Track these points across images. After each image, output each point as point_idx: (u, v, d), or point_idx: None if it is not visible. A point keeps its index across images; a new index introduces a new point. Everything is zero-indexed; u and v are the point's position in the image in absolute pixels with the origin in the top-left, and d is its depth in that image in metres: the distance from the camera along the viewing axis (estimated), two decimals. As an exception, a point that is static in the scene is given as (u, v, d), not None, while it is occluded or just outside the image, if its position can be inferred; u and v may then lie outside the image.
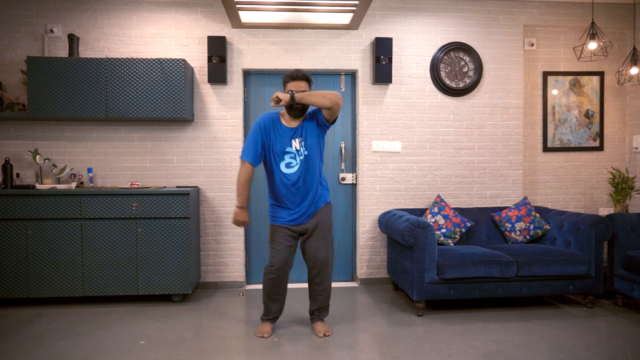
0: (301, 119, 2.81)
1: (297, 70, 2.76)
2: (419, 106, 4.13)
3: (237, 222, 2.80)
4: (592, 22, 3.79)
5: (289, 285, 4.07)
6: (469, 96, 4.18)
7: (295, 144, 2.76)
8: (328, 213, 2.89)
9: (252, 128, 2.81)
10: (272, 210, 2.88)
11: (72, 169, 3.89)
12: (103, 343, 2.78)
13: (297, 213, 2.81)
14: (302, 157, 2.77)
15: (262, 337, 2.85)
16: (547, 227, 3.79)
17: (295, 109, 2.74)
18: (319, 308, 2.96)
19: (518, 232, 3.79)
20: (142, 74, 3.63)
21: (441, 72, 4.12)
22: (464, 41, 4.15)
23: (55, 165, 3.81)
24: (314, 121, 2.81)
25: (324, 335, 2.88)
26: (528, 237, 3.80)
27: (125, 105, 3.63)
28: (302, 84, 2.74)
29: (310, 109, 2.86)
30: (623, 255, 3.37)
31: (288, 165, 2.76)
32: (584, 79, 4.40)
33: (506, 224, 3.83)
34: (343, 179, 4.19)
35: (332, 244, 2.91)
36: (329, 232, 2.88)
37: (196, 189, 3.85)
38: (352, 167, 4.21)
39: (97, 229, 3.46)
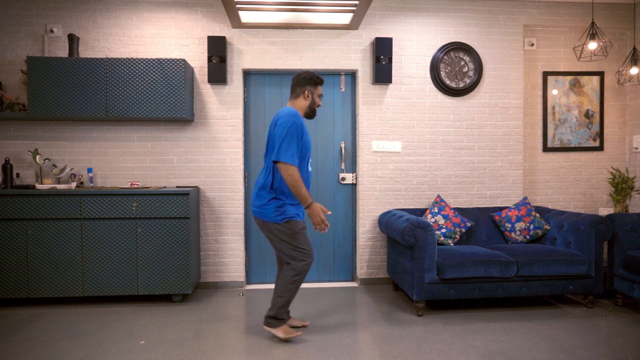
0: None
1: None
2: (419, 106, 4.13)
3: (321, 222, 2.64)
4: (592, 22, 3.79)
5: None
6: (469, 96, 4.18)
7: None
8: None
9: (291, 128, 2.61)
10: (286, 206, 2.71)
11: (72, 169, 3.89)
12: (103, 343, 2.78)
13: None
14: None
15: (297, 334, 2.82)
16: (547, 227, 3.79)
17: (314, 114, 2.88)
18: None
19: (518, 232, 3.79)
20: (142, 74, 3.63)
21: (441, 72, 4.12)
22: (464, 41, 4.15)
23: (55, 165, 3.81)
24: None
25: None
26: (528, 237, 3.79)
27: (125, 105, 3.63)
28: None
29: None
30: (623, 255, 3.37)
31: (309, 163, 2.84)
32: (584, 79, 4.40)
33: (506, 224, 3.83)
34: (343, 179, 4.19)
35: None
36: None
37: (196, 189, 3.85)
38: (352, 167, 4.21)
39: (97, 229, 3.46)
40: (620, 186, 4.04)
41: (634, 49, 4.00)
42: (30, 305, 3.53)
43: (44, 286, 3.45)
